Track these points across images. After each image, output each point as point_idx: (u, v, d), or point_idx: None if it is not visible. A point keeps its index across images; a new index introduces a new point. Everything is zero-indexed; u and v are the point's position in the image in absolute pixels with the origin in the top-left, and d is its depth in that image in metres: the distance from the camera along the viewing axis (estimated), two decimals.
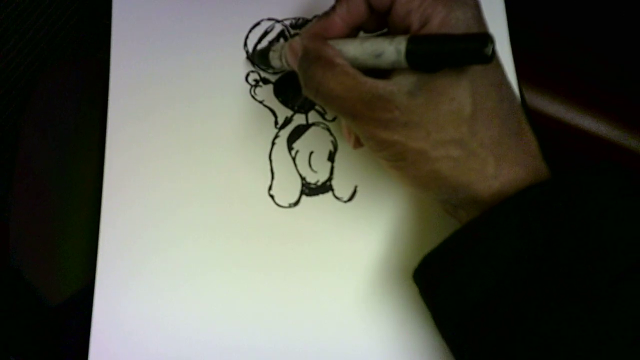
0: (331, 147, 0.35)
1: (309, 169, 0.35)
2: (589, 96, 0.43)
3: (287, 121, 0.36)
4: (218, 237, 0.34)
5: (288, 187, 0.34)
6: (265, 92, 0.36)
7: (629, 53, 0.44)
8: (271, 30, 0.37)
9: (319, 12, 0.37)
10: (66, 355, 0.35)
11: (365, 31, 0.27)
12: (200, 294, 0.33)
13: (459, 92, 0.23)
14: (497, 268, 0.23)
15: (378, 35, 0.25)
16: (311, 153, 0.35)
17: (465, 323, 0.24)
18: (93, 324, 0.33)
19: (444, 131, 0.23)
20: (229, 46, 0.37)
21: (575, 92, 0.43)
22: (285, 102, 0.36)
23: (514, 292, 0.22)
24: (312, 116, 0.36)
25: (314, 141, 0.35)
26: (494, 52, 0.21)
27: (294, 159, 0.35)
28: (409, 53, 0.23)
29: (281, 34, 0.37)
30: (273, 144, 0.35)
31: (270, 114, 0.36)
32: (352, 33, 0.27)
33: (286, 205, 0.34)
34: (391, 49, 0.23)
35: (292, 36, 0.37)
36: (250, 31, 0.37)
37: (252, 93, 0.36)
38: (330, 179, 0.35)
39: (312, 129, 0.35)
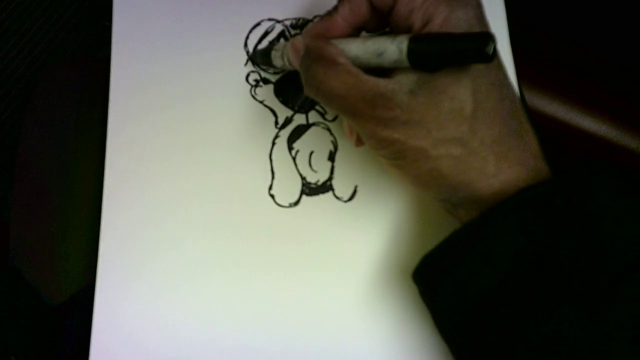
0: (331, 147, 0.35)
1: (309, 169, 0.35)
2: (589, 96, 0.43)
3: (288, 121, 0.36)
4: (218, 236, 0.34)
5: (288, 187, 0.34)
6: (266, 92, 0.36)
7: (629, 53, 0.44)
8: (272, 30, 0.37)
9: (320, 12, 0.37)
10: (66, 355, 0.35)
11: (367, 31, 0.27)
12: (200, 294, 0.33)
13: (460, 91, 0.23)
14: (497, 268, 0.23)
15: (380, 35, 0.25)
16: (311, 153, 0.35)
17: (465, 323, 0.24)
18: (94, 324, 0.33)
19: (444, 130, 0.23)
20: (230, 46, 0.37)
21: (575, 92, 0.43)
22: (285, 102, 0.36)
23: (513, 292, 0.23)
24: (313, 116, 0.36)
25: (315, 141, 0.35)
26: (495, 51, 0.21)
27: (294, 158, 0.35)
28: (410, 52, 0.23)
29: (281, 34, 0.37)
30: (273, 143, 0.35)
31: (270, 113, 0.36)
32: (354, 33, 0.27)
33: (286, 205, 0.34)
34: (393, 48, 0.23)
35: (292, 36, 0.37)
36: (250, 31, 0.37)
37: (253, 93, 0.36)
38: (330, 178, 0.35)
39: (312, 129, 0.35)
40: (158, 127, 0.36)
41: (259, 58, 0.35)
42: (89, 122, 0.39)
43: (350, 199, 0.34)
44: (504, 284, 0.23)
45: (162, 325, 0.33)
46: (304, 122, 0.36)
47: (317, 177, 0.35)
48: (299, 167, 0.35)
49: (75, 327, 0.35)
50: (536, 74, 0.44)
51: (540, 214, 0.23)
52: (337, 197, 0.34)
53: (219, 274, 0.33)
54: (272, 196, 0.34)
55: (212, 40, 0.37)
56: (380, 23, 0.27)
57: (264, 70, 0.36)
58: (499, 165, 0.24)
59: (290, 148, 0.35)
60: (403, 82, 0.24)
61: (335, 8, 0.26)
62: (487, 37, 0.21)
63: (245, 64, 0.36)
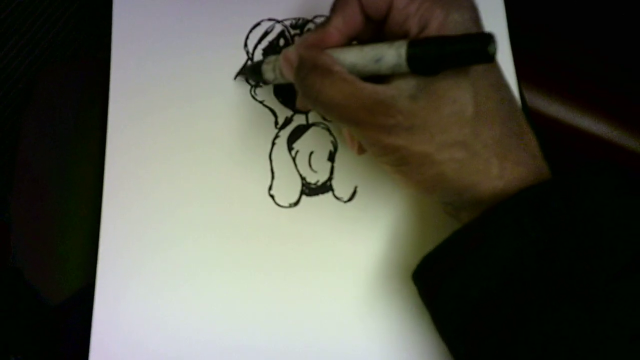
0: (331, 147, 0.35)
1: (309, 169, 0.35)
2: (589, 96, 0.43)
3: (287, 121, 0.36)
4: (218, 236, 0.34)
5: (288, 187, 0.34)
6: (266, 92, 0.36)
7: (629, 53, 0.44)
8: (271, 30, 0.37)
9: (319, 12, 0.37)
10: (66, 355, 0.35)
11: (360, 41, 0.27)
12: (200, 294, 0.33)
13: (460, 94, 0.23)
14: (496, 268, 0.23)
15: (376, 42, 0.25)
16: (311, 153, 0.35)
17: (465, 324, 0.24)
18: (93, 324, 0.33)
19: (447, 133, 0.23)
20: (230, 46, 0.37)
21: (576, 93, 0.43)
22: (285, 102, 0.36)
23: (513, 292, 0.22)
24: (312, 116, 0.36)
25: (314, 141, 0.35)
26: (496, 51, 0.21)
27: (294, 159, 0.35)
28: (410, 56, 0.23)
29: (281, 34, 0.37)
30: (273, 144, 0.35)
31: (270, 114, 0.36)
32: (348, 43, 0.26)
33: (286, 205, 0.34)
34: (391, 53, 0.23)
35: (292, 36, 0.37)
36: (250, 31, 0.37)
37: (253, 93, 0.36)
38: (330, 179, 0.35)
39: (312, 129, 0.35)
40: (158, 127, 0.36)
41: (249, 73, 0.34)
42: (89, 122, 0.39)
43: (350, 199, 0.34)
44: (504, 284, 0.23)
45: (161, 325, 0.33)
46: (303, 122, 0.36)
47: (317, 177, 0.35)
48: (299, 167, 0.35)
49: (75, 327, 0.35)
50: (536, 74, 0.44)
51: (540, 213, 0.22)
52: (336, 198, 0.34)
53: (219, 274, 0.33)
54: (272, 196, 0.34)
55: (212, 40, 0.37)
56: (374, 32, 0.26)
57: (256, 85, 0.36)
58: (502, 167, 0.24)
59: (290, 148, 0.35)
60: (402, 88, 0.23)
61: (328, 19, 0.26)
62: (488, 37, 0.21)
63: (235, 77, 0.36)
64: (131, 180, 0.35)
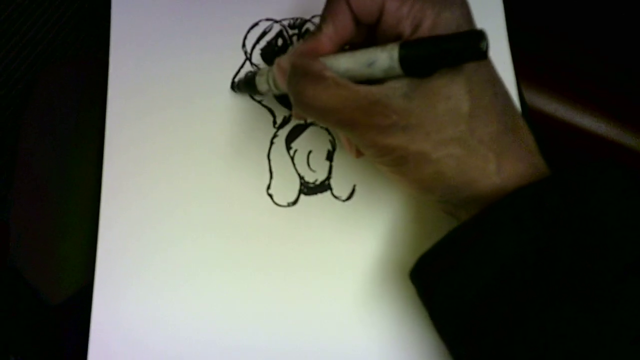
0: (329, 147, 0.35)
1: (307, 168, 0.35)
2: (589, 95, 0.43)
3: (286, 120, 0.36)
4: (217, 236, 0.34)
5: (286, 186, 0.34)
6: None
7: (628, 52, 0.44)
8: (269, 30, 0.37)
9: (317, 12, 0.37)
10: (66, 354, 0.35)
11: (352, 46, 0.27)
12: (199, 294, 0.33)
13: (454, 90, 0.23)
14: (495, 266, 0.23)
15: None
16: (309, 152, 0.35)
17: (463, 323, 0.24)
18: (92, 323, 0.33)
19: (443, 131, 0.23)
20: (228, 46, 0.37)
21: (575, 91, 0.43)
22: (283, 102, 0.36)
23: (512, 291, 0.22)
24: None
25: (313, 140, 0.35)
26: (488, 48, 0.21)
27: (292, 158, 0.35)
28: (402, 58, 0.22)
29: (279, 34, 0.37)
30: (271, 143, 0.35)
31: (268, 113, 0.36)
32: (340, 50, 0.26)
33: (285, 204, 0.34)
34: (384, 56, 0.23)
35: (290, 36, 0.37)
36: (248, 31, 0.37)
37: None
38: (328, 178, 0.35)
39: (310, 128, 0.35)
40: (156, 127, 0.36)
41: (242, 86, 0.34)
42: (89, 122, 0.39)
43: (349, 198, 0.34)
44: (502, 282, 0.23)
45: (160, 325, 0.33)
46: (302, 121, 0.36)
47: (315, 176, 0.35)
48: (297, 166, 0.35)
49: (75, 327, 0.35)
50: (536, 73, 0.44)
51: (538, 211, 0.22)
52: (335, 197, 0.34)
53: (218, 274, 0.33)
54: (270, 195, 0.34)
55: (210, 40, 0.37)
56: (366, 36, 0.26)
57: (252, 98, 0.36)
58: (500, 163, 0.24)
59: (288, 147, 0.35)
60: (396, 87, 0.23)
61: (319, 28, 0.26)
62: (479, 34, 0.21)
63: (232, 88, 0.36)
64: (130, 180, 0.35)
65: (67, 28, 0.45)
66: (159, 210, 0.34)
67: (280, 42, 0.37)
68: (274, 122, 0.36)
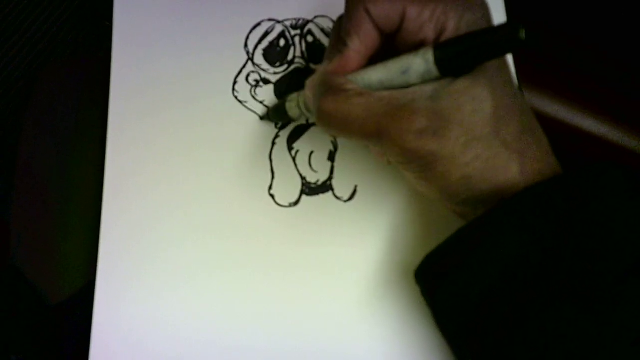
0: (331, 147, 0.35)
1: (309, 169, 0.35)
2: (590, 96, 0.43)
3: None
4: (218, 236, 0.34)
5: (288, 187, 0.35)
6: (266, 93, 0.36)
7: (631, 52, 0.44)
8: (272, 30, 0.37)
9: (319, 12, 0.37)
10: (67, 354, 0.35)
11: (372, 60, 0.26)
12: (200, 294, 0.33)
13: (479, 91, 0.23)
14: (499, 266, 0.23)
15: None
16: (311, 153, 0.35)
17: (466, 322, 0.24)
18: (94, 323, 0.33)
19: (470, 132, 0.23)
20: (230, 47, 0.37)
21: (576, 92, 0.43)
22: None
23: (514, 291, 0.22)
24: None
25: (314, 141, 0.35)
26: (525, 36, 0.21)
27: (294, 158, 0.35)
28: (438, 59, 0.22)
29: (282, 35, 0.37)
30: (273, 144, 0.35)
31: None
32: (368, 64, 0.26)
33: (286, 204, 0.34)
34: (418, 61, 0.23)
35: (292, 37, 0.37)
36: (251, 32, 0.37)
37: (253, 93, 0.36)
38: (330, 178, 0.35)
39: (312, 129, 0.35)
40: (158, 127, 0.36)
41: (273, 115, 0.34)
42: (89, 122, 0.39)
43: (350, 198, 0.34)
44: (505, 282, 0.22)
45: (161, 325, 0.33)
46: (303, 122, 0.36)
47: (317, 177, 0.35)
48: (299, 167, 0.35)
49: (76, 327, 0.35)
50: (536, 74, 0.44)
51: (542, 211, 0.22)
52: (337, 197, 0.34)
53: (219, 274, 0.33)
54: (272, 196, 0.34)
55: (212, 40, 0.37)
56: (384, 47, 0.26)
57: (283, 125, 0.35)
58: (522, 163, 0.23)
59: (290, 148, 0.35)
60: (422, 90, 0.23)
61: (344, 43, 0.25)
62: (516, 24, 0.20)
63: (261, 119, 0.35)
64: (131, 180, 0.35)
65: (67, 27, 0.44)
66: (161, 210, 0.34)
67: (282, 42, 0.37)
68: (276, 123, 0.36)
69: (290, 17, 0.37)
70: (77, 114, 0.39)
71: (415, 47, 0.24)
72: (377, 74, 0.24)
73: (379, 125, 0.23)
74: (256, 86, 0.36)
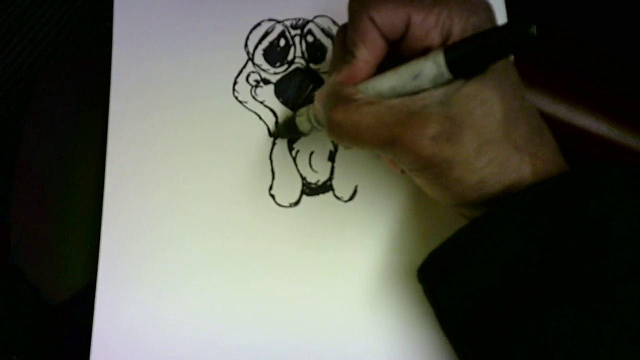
0: (332, 148, 0.35)
1: (309, 169, 0.35)
2: (591, 96, 0.43)
3: None
4: (219, 236, 0.34)
5: (289, 187, 0.35)
6: (266, 93, 0.36)
7: (631, 52, 0.44)
8: (272, 31, 0.37)
9: (319, 12, 0.37)
10: (68, 354, 0.35)
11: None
12: (201, 294, 0.33)
13: (488, 94, 0.23)
14: (500, 265, 0.23)
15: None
16: (312, 153, 0.35)
17: (468, 321, 0.24)
18: (95, 324, 0.33)
19: (482, 136, 0.23)
20: (230, 47, 0.37)
21: (577, 92, 0.43)
22: (286, 103, 0.36)
23: (515, 290, 0.22)
24: None
25: (315, 141, 0.35)
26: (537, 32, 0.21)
27: (294, 159, 0.35)
28: (450, 62, 0.22)
29: (282, 35, 0.37)
30: (274, 144, 0.35)
31: (271, 114, 0.36)
32: (377, 73, 0.26)
33: (287, 205, 0.34)
34: (429, 65, 0.23)
35: (293, 37, 0.37)
36: (251, 32, 0.37)
37: (253, 94, 0.36)
38: (331, 179, 0.35)
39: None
40: (159, 127, 0.36)
41: (283, 131, 0.34)
42: (90, 122, 0.39)
43: (351, 199, 0.34)
44: (508, 281, 0.22)
45: (162, 325, 0.33)
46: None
47: (317, 177, 0.35)
48: (300, 167, 0.35)
49: (77, 327, 0.35)
50: (537, 74, 0.44)
51: (544, 210, 0.22)
52: (337, 198, 0.34)
53: (220, 274, 0.33)
54: (272, 196, 0.34)
55: (213, 41, 0.37)
56: (390, 55, 0.26)
57: (294, 140, 0.35)
58: (534, 165, 0.23)
59: (290, 148, 0.35)
60: (433, 96, 0.23)
61: (352, 54, 0.25)
62: (527, 20, 0.20)
63: (272, 136, 0.35)
64: (132, 180, 0.35)
65: (68, 29, 0.44)
66: (162, 210, 0.34)
67: (282, 42, 0.37)
68: (277, 123, 0.36)
69: (290, 17, 0.37)
70: (78, 115, 0.39)
71: (422, 53, 0.24)
72: (389, 81, 0.24)
73: (392, 133, 0.23)
74: (256, 86, 0.36)
